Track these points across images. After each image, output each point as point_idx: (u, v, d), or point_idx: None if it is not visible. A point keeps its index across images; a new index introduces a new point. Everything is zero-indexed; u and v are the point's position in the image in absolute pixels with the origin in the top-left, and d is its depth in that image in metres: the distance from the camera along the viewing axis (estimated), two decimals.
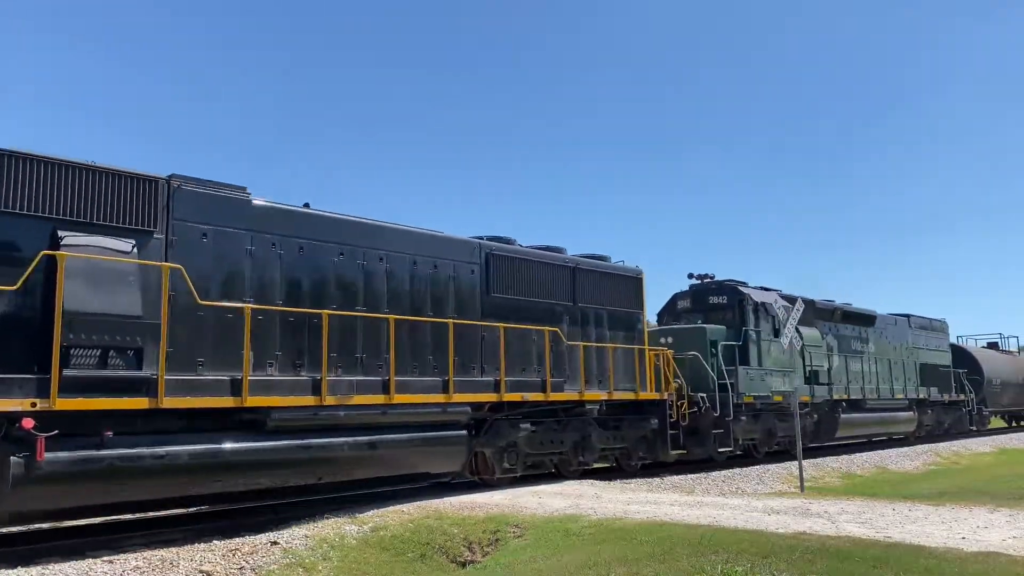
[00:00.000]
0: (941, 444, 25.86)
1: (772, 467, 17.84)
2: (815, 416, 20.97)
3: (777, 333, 19.80)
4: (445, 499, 11.62)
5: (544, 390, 13.55)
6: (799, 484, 14.61)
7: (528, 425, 13.29)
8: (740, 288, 19.67)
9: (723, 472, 16.69)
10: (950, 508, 10.56)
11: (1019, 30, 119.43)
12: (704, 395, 17.31)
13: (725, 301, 19.63)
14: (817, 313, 22.69)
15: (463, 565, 9.12)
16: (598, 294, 15.32)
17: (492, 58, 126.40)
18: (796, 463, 15.02)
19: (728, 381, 17.65)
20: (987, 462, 22.66)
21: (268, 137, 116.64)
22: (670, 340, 18.16)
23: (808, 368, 21.00)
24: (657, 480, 15.15)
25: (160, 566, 7.90)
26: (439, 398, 11.87)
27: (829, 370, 21.73)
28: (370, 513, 10.45)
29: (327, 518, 10.08)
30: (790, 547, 7.70)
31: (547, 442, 13.91)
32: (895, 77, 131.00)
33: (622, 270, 16.19)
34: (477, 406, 12.54)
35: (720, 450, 17.73)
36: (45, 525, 10.17)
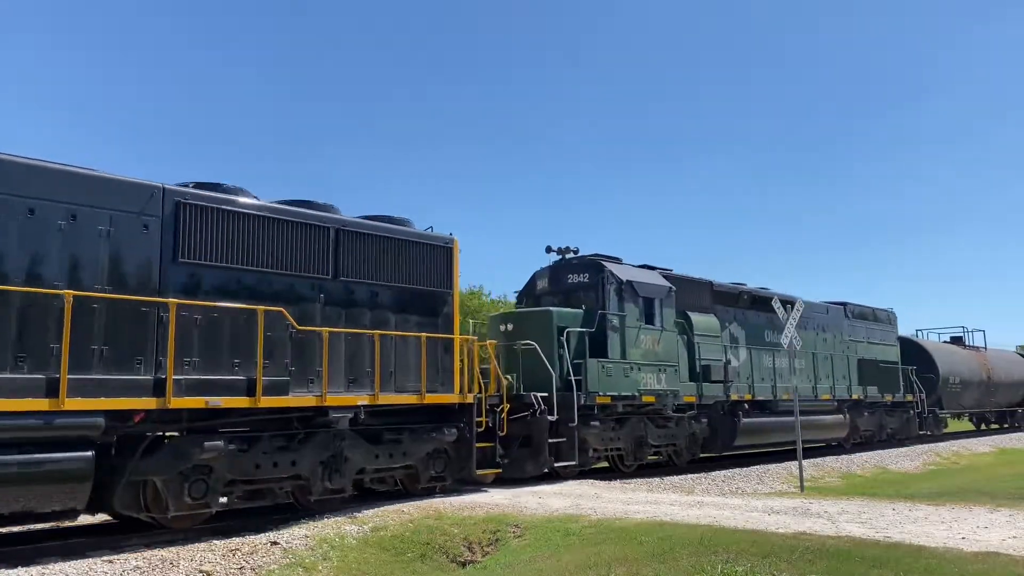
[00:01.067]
0: (941, 444, 25.85)
1: (772, 467, 17.85)
2: (703, 421, 17.65)
3: (651, 319, 16.50)
4: (445, 499, 11.63)
5: (252, 393, 9.74)
6: (799, 484, 14.62)
7: (219, 443, 9.47)
8: (603, 263, 16.26)
9: (723, 472, 16.70)
10: (950, 508, 10.58)
11: (1018, 31, 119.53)
12: (542, 395, 14.01)
13: (587, 280, 16.13)
14: (716, 297, 19.22)
15: (463, 565, 9.12)
16: (378, 267, 11.70)
17: (492, 59, 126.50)
18: (796, 463, 15.03)
19: (574, 378, 14.43)
20: (987, 462, 22.67)
21: (268, 137, 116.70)
22: (510, 327, 15.17)
23: (699, 362, 17.67)
24: (657, 480, 15.15)
25: (160, 566, 7.90)
26: (37, 404, 8.01)
27: (727, 365, 18.11)
28: (370, 513, 10.46)
29: (327, 518, 10.09)
30: (790, 547, 7.70)
31: (268, 464, 10.11)
32: (895, 78, 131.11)
33: (420, 237, 12.43)
34: (119, 416, 8.71)
35: (560, 465, 14.11)
36: (45, 525, 10.17)
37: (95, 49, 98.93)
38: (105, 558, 8.04)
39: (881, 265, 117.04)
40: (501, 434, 13.12)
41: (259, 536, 9.16)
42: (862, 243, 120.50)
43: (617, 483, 14.17)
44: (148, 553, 8.30)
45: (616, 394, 15.30)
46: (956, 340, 34.13)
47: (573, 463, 14.19)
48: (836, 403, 22.16)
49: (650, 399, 16.05)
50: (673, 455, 17.28)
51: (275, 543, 8.83)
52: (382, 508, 10.77)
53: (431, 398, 11.91)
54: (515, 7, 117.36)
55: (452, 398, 12.32)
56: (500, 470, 13.21)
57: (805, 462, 15.44)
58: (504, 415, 13.21)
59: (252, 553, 8.48)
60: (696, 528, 8.96)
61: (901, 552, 7.41)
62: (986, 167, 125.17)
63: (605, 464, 16.24)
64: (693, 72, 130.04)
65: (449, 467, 12.45)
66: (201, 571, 7.90)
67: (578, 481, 14.13)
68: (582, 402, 14.41)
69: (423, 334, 11.95)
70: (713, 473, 16.46)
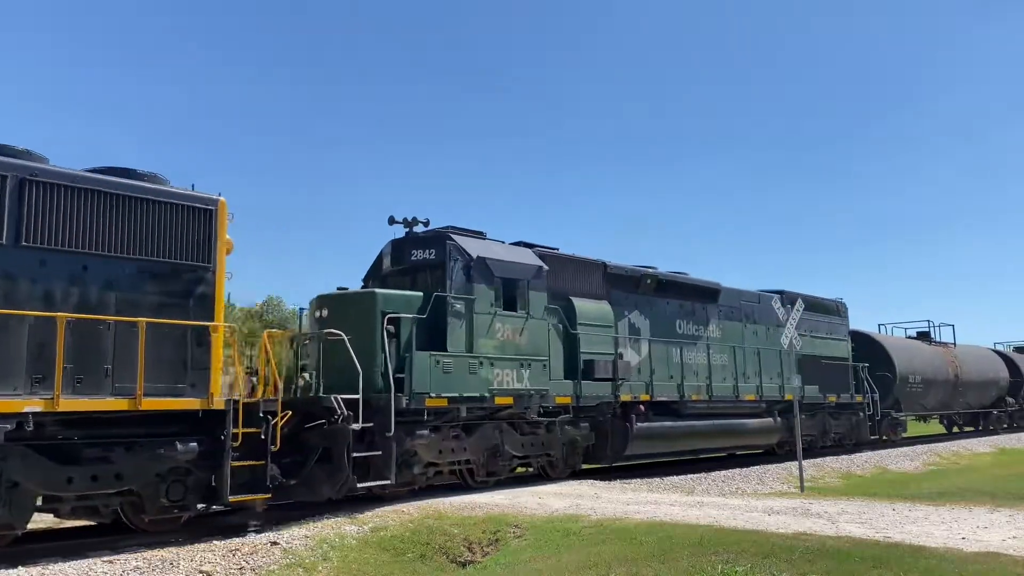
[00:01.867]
0: (940, 444, 25.83)
1: (772, 467, 17.83)
2: (584, 426, 14.90)
3: (512, 304, 13.47)
4: (445, 499, 11.63)
5: None
6: (799, 484, 14.61)
7: None
8: (451, 235, 13.29)
9: (723, 472, 16.69)
10: (950, 508, 10.58)
11: (1018, 31, 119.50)
12: (348, 398, 10.89)
13: (432, 256, 13.10)
14: (612, 281, 16.35)
15: (463, 565, 9.12)
16: (94, 232, 8.97)
17: (491, 59, 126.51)
18: (796, 463, 15.02)
19: (400, 377, 11.74)
20: (987, 462, 22.64)
21: (268, 136, 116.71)
22: (324, 313, 12.34)
23: (581, 357, 14.84)
24: (657, 480, 15.15)
25: (160, 566, 7.90)
26: None
27: (617, 360, 15.34)
28: (370, 513, 10.46)
29: (327, 518, 10.09)
30: (790, 547, 7.70)
31: None
32: (893, 79, 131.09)
33: (165, 195, 9.64)
34: None
35: (367, 485, 11.08)
36: (46, 524, 10.17)
37: (93, 46, 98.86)
38: (105, 558, 8.04)
39: (881, 265, 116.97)
40: (274, 448, 9.88)
41: (259, 536, 9.16)
42: (862, 243, 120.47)
43: (617, 483, 14.17)
44: (148, 553, 8.30)
45: (456, 395, 12.28)
46: (923, 336, 31.26)
47: (387, 482, 11.13)
48: (764, 404, 19.32)
49: (506, 401, 13.06)
50: (547, 467, 14.44)
51: (275, 543, 8.83)
52: (382, 508, 10.77)
53: (150, 403, 8.83)
54: (515, 7, 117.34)
55: (184, 403, 9.21)
56: (269, 495, 9.94)
57: (805, 462, 15.43)
58: (280, 424, 9.99)
59: (252, 553, 8.48)
60: (696, 528, 8.96)
61: (901, 552, 7.41)
62: (987, 167, 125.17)
63: (454, 480, 13.19)
64: (693, 72, 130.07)
65: (191, 492, 9.47)
66: (201, 571, 7.90)
67: (578, 481, 14.12)
68: (404, 405, 11.47)
69: (143, 319, 8.90)
70: (713, 473, 16.45)
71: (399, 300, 12.37)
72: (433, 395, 12.01)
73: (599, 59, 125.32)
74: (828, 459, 20.11)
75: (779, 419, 19.64)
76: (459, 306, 12.81)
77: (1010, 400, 34.37)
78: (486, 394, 12.83)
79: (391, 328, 11.88)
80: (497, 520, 10.05)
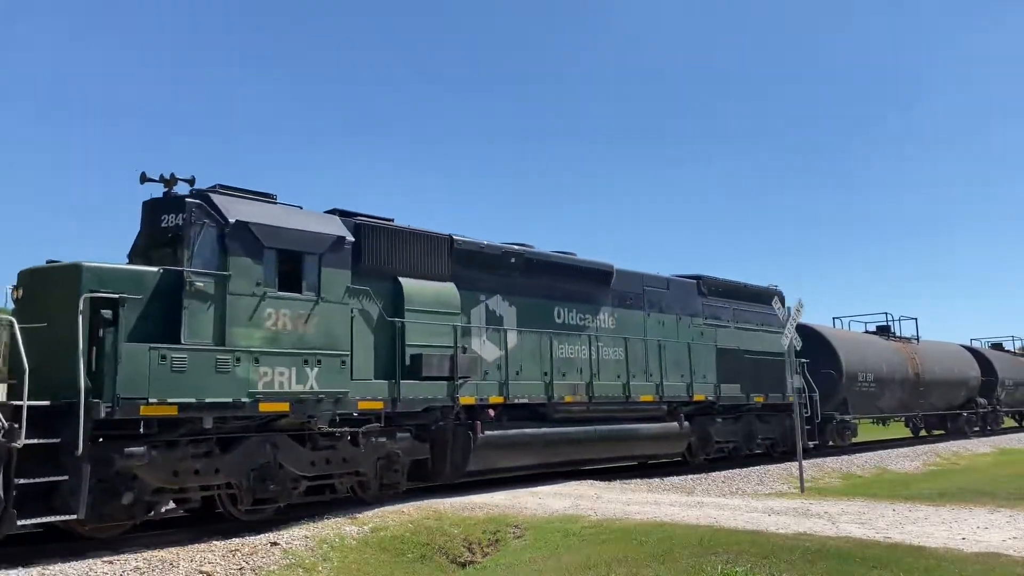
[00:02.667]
0: (941, 444, 25.83)
1: (772, 467, 17.84)
2: (405, 436, 11.90)
3: (294, 283, 10.67)
4: (445, 499, 11.63)
5: None
6: (799, 485, 14.61)
7: None
8: (209, 196, 10.35)
9: (723, 472, 16.69)
10: (950, 509, 10.59)
11: (1018, 32, 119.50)
12: (24, 405, 8.12)
13: (183, 222, 10.14)
14: (464, 258, 13.28)
15: (463, 566, 9.13)
16: None
17: (501, 61, 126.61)
18: (796, 464, 15.02)
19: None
20: (987, 462, 22.64)
21: (266, 137, 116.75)
22: (21, 294, 9.67)
23: (407, 350, 11.97)
24: (657, 480, 15.15)
25: (160, 566, 7.91)
26: None
27: (455, 355, 12.34)
28: (370, 514, 10.46)
29: (327, 518, 10.09)
30: (790, 548, 7.71)
31: None
32: (894, 79, 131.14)
33: None
34: None
35: (30, 521, 8.22)
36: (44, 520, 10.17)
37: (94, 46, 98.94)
38: (105, 558, 8.05)
39: (882, 265, 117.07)
40: None
41: (259, 536, 9.17)
42: (863, 243, 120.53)
43: (617, 484, 14.17)
44: (148, 553, 8.31)
45: (194, 401, 9.34)
46: (883, 330, 28.51)
47: (72, 516, 8.36)
48: (666, 407, 16.48)
49: (278, 407, 10.10)
50: (357, 487, 11.67)
51: (275, 544, 8.83)
52: (382, 509, 10.78)
53: None
54: (529, 9, 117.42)
55: None
56: None
57: (805, 463, 15.42)
58: None
59: (252, 554, 8.49)
60: (696, 528, 8.97)
61: (901, 552, 7.42)
62: (986, 168, 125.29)
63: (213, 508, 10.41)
64: (693, 73, 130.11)
65: None
66: (201, 571, 7.90)
67: (578, 481, 14.12)
68: (104, 415, 8.63)
69: None
70: (713, 474, 16.45)
71: (118, 277, 9.36)
72: (153, 400, 9.01)
73: (599, 59, 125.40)
74: (828, 460, 20.12)
75: (687, 423, 16.91)
76: (202, 284, 9.76)
77: (982, 401, 31.51)
78: (245, 399, 9.77)
79: (108, 313, 8.97)
80: (497, 520, 10.05)
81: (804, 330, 22.00)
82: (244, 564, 8.21)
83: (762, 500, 12.26)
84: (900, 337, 28.42)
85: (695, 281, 18.44)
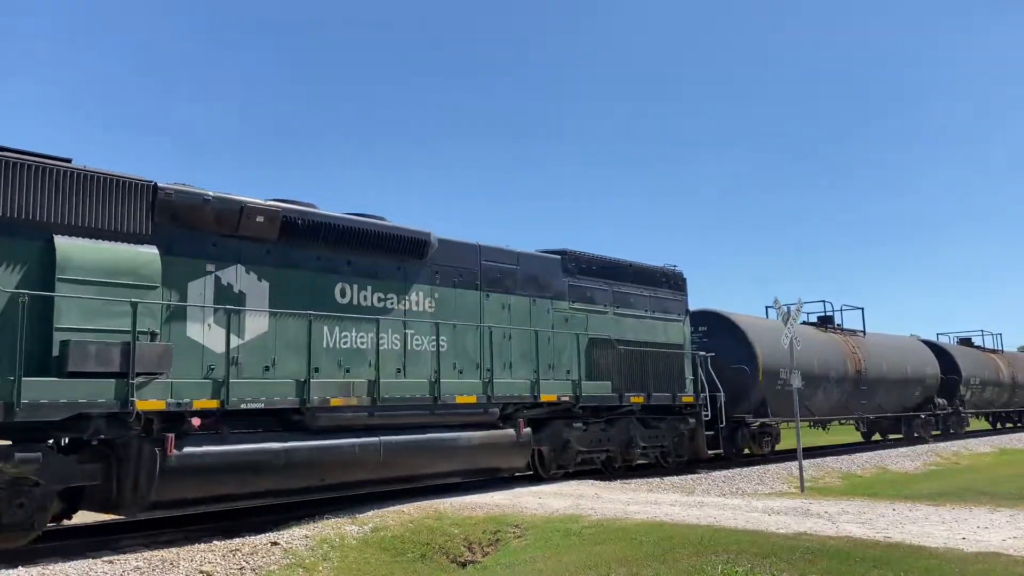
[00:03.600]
0: (941, 444, 25.79)
1: (772, 467, 17.82)
2: (21, 458, 8.35)
3: None
4: (445, 499, 11.63)
5: None
6: (799, 484, 14.61)
7: None
8: None
9: (723, 472, 16.68)
10: (950, 508, 10.58)
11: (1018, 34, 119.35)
12: None
13: None
14: (179, 214, 10.02)
15: (463, 565, 9.13)
16: None
17: (492, 58, 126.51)
18: (796, 463, 15.01)
19: None
20: (987, 462, 22.64)
21: (267, 138, 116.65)
22: None
23: (57, 336, 8.72)
24: (657, 480, 15.14)
25: (160, 566, 7.91)
26: None
27: (133, 344, 8.98)
28: (370, 513, 10.46)
29: (327, 518, 10.09)
30: (790, 547, 7.70)
31: None
32: (895, 80, 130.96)
33: None
34: None
35: None
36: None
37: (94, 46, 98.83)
38: (105, 558, 8.05)
39: (883, 266, 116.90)
40: None
41: (259, 536, 9.16)
42: (862, 244, 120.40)
43: (617, 483, 14.16)
44: (148, 553, 8.31)
45: None
46: (825, 321, 24.88)
47: None
48: (496, 409, 13.03)
49: None
50: None
51: (275, 543, 8.83)
52: (382, 508, 10.77)
53: None
54: (517, 7, 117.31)
55: None
56: None
57: (805, 463, 15.42)
58: None
59: (252, 553, 8.48)
60: (696, 528, 8.96)
61: (901, 552, 7.41)
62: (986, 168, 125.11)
63: None
64: (694, 73, 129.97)
65: None
66: (201, 571, 7.90)
67: (578, 481, 14.11)
68: None
69: None
70: (714, 473, 16.44)
71: None
72: None
73: (597, 59, 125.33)
74: (828, 459, 20.11)
75: (527, 431, 13.32)
76: None
77: (940, 401, 28.05)
78: None
79: None
80: (497, 520, 10.05)
81: (711, 318, 19.82)
82: (244, 564, 8.21)
83: (762, 500, 12.25)
84: (842, 329, 24.81)
85: (559, 256, 14.97)
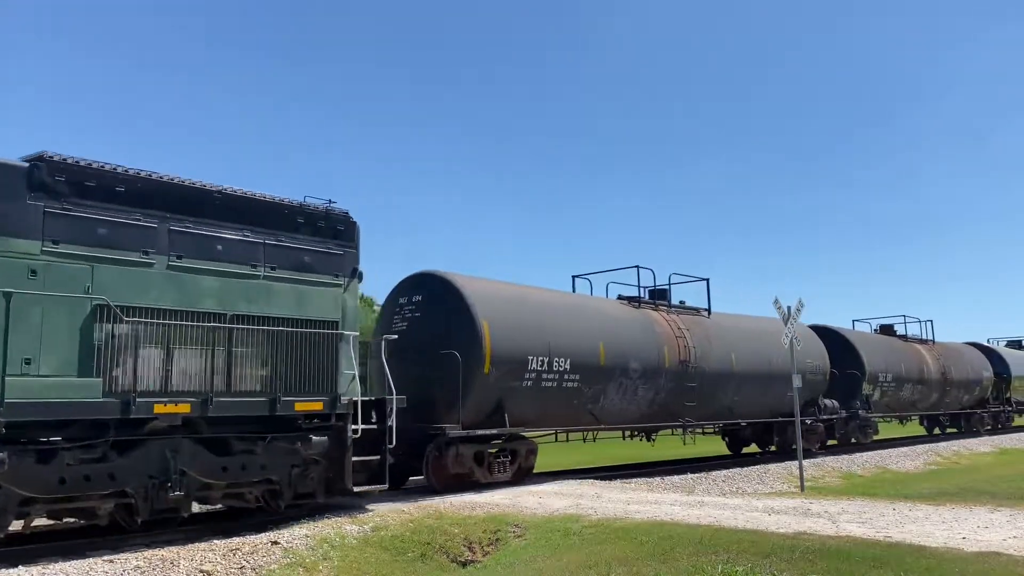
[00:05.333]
0: (941, 444, 25.79)
1: (772, 467, 17.82)
2: None
3: None
4: (445, 499, 11.63)
5: None
6: (799, 484, 14.61)
7: None
8: None
9: (723, 472, 16.68)
10: (951, 508, 10.59)
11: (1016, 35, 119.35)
12: None
13: None
14: None
15: (464, 565, 9.13)
16: None
17: (485, 61, 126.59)
18: (796, 463, 15.01)
19: None
20: (987, 462, 22.66)
21: (268, 136, 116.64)
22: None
23: None
24: (658, 480, 15.14)
25: (160, 566, 7.90)
26: None
27: None
28: (371, 513, 10.46)
29: (327, 518, 10.09)
30: (790, 547, 7.71)
31: None
32: (896, 80, 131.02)
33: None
34: None
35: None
36: (47, 523, 10.17)
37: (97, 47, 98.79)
38: (105, 558, 8.05)
39: (883, 265, 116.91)
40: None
41: (260, 536, 9.15)
42: (865, 245, 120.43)
43: (617, 483, 14.17)
44: (148, 553, 8.30)
45: None
46: (657, 294, 18.07)
47: None
48: None
49: None
50: None
51: (276, 543, 8.83)
52: (383, 508, 10.77)
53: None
54: (509, 11, 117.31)
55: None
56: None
57: (806, 462, 15.41)
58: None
59: (253, 553, 8.48)
60: (696, 528, 8.97)
61: (902, 552, 7.42)
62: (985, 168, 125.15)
63: None
64: (693, 73, 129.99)
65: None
66: (201, 571, 7.90)
67: (578, 481, 14.12)
68: None
69: None
70: (714, 473, 16.45)
71: None
72: None
73: (598, 59, 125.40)
74: (828, 459, 20.09)
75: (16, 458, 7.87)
76: None
77: (829, 403, 21.46)
78: None
79: None
80: (497, 520, 10.05)
81: (432, 283, 13.70)
82: (245, 563, 8.21)
83: (762, 499, 12.25)
84: (684, 307, 18.44)
85: (25, 167, 8.50)
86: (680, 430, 17.55)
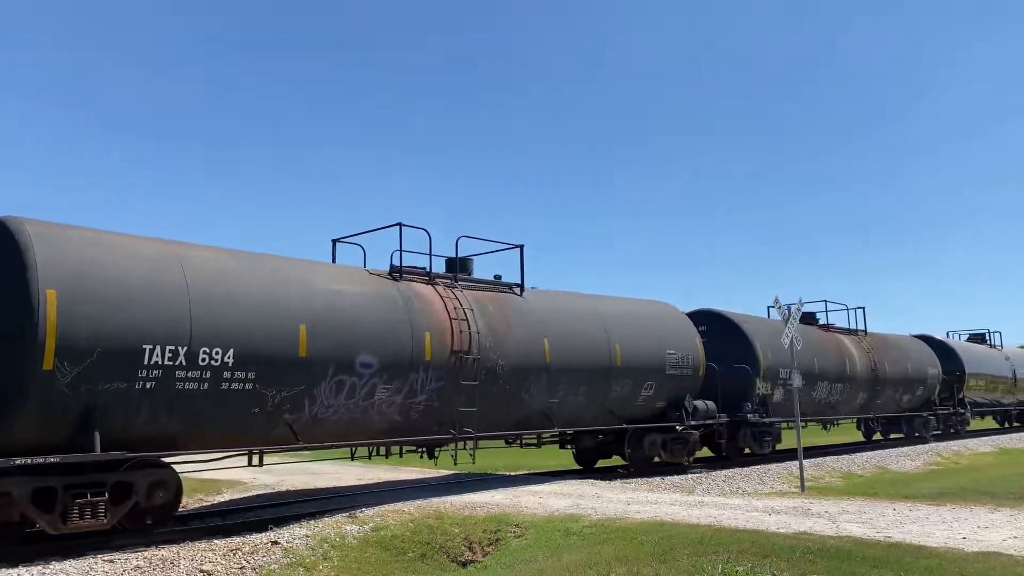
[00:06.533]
0: (941, 444, 25.78)
1: (772, 467, 17.80)
2: None
3: None
4: (445, 499, 11.63)
5: None
6: (800, 484, 14.60)
7: None
8: None
9: (723, 472, 16.67)
10: (951, 508, 10.58)
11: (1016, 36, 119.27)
12: None
13: None
14: None
15: (464, 565, 9.13)
16: None
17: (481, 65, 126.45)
18: (796, 463, 15.01)
19: None
20: (988, 462, 22.62)
21: (267, 137, 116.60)
22: None
23: None
24: (658, 480, 15.13)
25: (160, 566, 7.90)
26: None
27: None
28: (370, 513, 10.46)
29: (327, 517, 10.09)
30: (791, 547, 7.70)
31: None
32: (896, 80, 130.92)
33: None
34: None
35: None
36: None
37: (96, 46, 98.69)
38: (105, 558, 8.05)
39: (885, 265, 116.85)
40: None
41: (260, 536, 9.16)
42: (865, 245, 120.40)
43: (618, 483, 14.16)
44: (148, 553, 8.30)
45: None
46: (458, 266, 13.55)
47: None
48: None
49: None
50: None
51: (276, 543, 8.83)
52: (383, 508, 10.77)
53: None
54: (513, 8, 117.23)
55: None
56: None
57: (806, 462, 15.41)
58: None
59: (253, 553, 8.48)
60: (697, 528, 8.96)
61: (902, 552, 7.42)
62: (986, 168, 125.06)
63: None
64: (693, 73, 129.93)
65: None
66: (202, 571, 7.90)
67: (578, 481, 14.11)
68: None
69: None
70: (714, 473, 16.43)
71: None
72: None
73: (597, 59, 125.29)
74: (828, 459, 20.07)
75: None
76: None
77: (752, 404, 18.12)
78: None
79: None
80: (497, 520, 10.05)
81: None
82: (245, 563, 8.21)
83: (763, 499, 12.25)
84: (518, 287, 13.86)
85: None
86: (463, 444, 12.90)
